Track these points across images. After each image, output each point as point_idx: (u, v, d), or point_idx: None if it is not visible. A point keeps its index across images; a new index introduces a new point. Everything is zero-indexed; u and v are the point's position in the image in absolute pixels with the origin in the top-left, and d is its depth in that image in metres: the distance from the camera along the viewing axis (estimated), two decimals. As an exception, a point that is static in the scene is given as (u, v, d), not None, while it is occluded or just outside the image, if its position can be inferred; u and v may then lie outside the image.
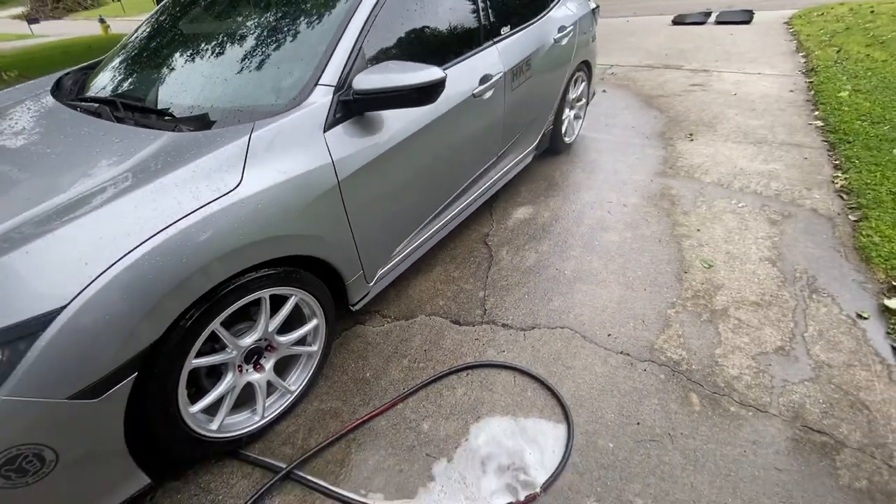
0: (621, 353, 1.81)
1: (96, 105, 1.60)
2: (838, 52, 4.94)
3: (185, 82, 1.65)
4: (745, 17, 7.28)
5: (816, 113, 3.74)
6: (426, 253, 2.21)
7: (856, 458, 1.43)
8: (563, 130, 3.28)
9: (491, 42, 2.24)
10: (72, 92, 1.85)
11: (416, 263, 2.19)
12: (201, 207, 1.15)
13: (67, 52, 9.84)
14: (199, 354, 1.26)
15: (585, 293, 2.12)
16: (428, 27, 1.93)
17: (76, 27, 21.14)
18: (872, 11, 6.47)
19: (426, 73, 1.48)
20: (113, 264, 1.02)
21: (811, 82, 4.35)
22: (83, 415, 1.02)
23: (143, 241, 1.06)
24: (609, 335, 1.89)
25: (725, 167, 3.10)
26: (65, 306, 0.97)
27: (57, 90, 1.89)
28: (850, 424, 1.52)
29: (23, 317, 0.94)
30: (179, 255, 1.10)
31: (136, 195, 1.11)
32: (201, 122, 1.44)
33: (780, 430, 1.51)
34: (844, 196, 2.67)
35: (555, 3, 2.87)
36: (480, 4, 2.21)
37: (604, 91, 4.70)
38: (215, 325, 1.25)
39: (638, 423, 1.56)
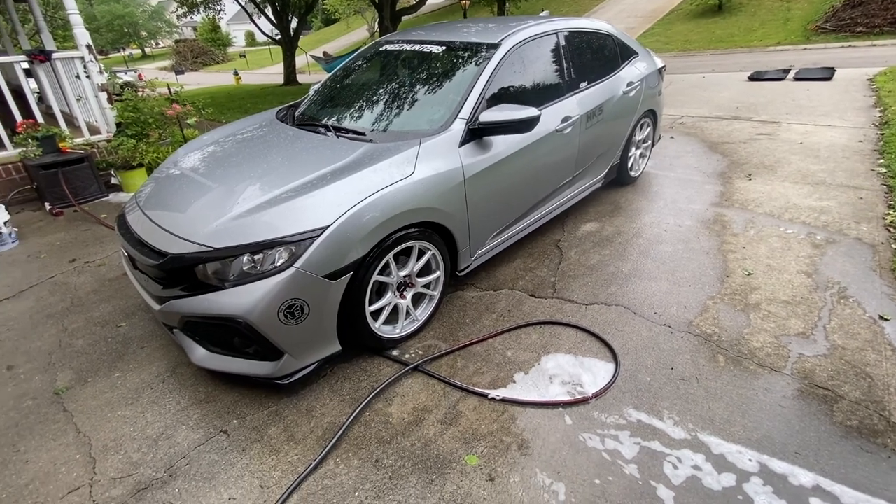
0: (664, 325, 2.32)
1: (317, 126, 2.54)
2: (917, 107, 5.07)
3: (374, 114, 2.56)
4: (826, 74, 7.44)
5: (881, 161, 3.99)
6: (510, 247, 2.89)
7: (852, 407, 1.82)
8: (630, 165, 3.88)
9: (572, 93, 2.97)
10: (293, 118, 2.83)
11: (501, 254, 2.87)
12: (394, 183, 1.95)
13: (215, 96, 12.39)
14: (379, 273, 2.02)
15: (638, 285, 2.65)
16: (528, 82, 2.72)
17: (212, 78, 25.66)
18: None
19: (527, 112, 2.23)
20: (350, 207, 1.83)
21: (882, 134, 4.56)
22: (326, 288, 1.80)
23: (366, 197, 1.87)
24: (655, 313, 2.41)
25: (779, 202, 3.49)
26: (328, 225, 1.78)
27: (279, 118, 2.90)
28: (852, 386, 1.90)
29: (309, 227, 1.76)
30: (381, 207, 1.89)
31: (361, 173, 1.94)
32: (388, 138, 2.29)
33: (790, 384, 1.93)
34: (892, 230, 2.97)
35: (625, 64, 3.57)
36: (565, 66, 2.98)
37: (671, 137, 5.22)
38: (389, 256, 2.01)
39: (672, 369, 2.06)
